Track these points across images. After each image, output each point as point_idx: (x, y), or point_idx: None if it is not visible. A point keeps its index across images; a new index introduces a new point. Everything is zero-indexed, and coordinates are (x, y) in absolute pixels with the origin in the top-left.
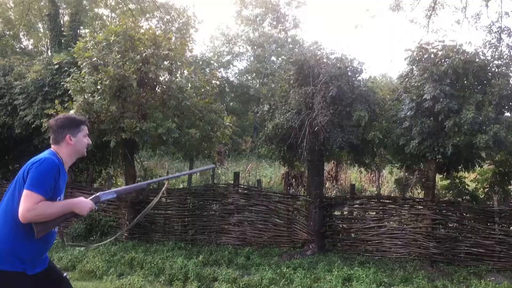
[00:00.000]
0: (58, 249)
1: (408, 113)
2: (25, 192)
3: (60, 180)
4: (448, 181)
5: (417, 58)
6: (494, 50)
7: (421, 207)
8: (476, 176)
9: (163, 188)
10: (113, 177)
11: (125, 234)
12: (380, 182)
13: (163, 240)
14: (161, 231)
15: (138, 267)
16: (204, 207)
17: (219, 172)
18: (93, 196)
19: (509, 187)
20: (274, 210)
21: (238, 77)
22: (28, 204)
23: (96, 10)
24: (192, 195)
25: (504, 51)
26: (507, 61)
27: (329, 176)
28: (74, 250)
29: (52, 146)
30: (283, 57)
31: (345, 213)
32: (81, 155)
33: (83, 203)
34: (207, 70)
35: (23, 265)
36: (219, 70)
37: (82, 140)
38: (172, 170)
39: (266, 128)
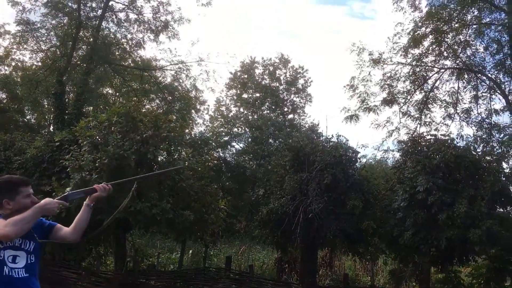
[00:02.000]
0: None
1: (401, 204)
2: None
3: None
4: (443, 274)
5: (410, 150)
6: (485, 145)
7: None
8: (472, 271)
9: (133, 188)
10: (103, 256)
11: None
12: (374, 272)
13: None
14: None
15: None
16: None
17: (212, 253)
18: (62, 195)
19: (506, 284)
20: None
21: (235, 158)
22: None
23: (101, 89)
24: (182, 279)
25: (495, 147)
26: (497, 157)
27: (323, 262)
28: None
29: None
30: (280, 139)
31: None
32: None
33: (50, 204)
34: (205, 149)
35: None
36: (217, 150)
37: (22, 201)
38: (164, 249)
39: (260, 213)
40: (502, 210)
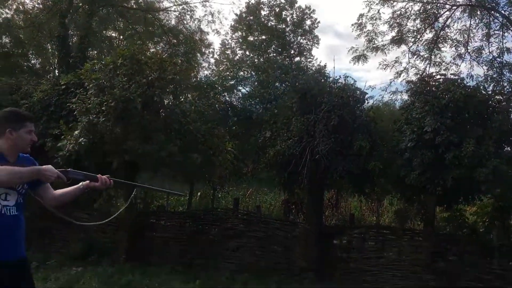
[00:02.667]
0: (54, 269)
1: (409, 145)
2: None
3: None
4: (448, 213)
5: (419, 91)
6: (496, 85)
7: (421, 239)
8: (477, 210)
9: (132, 194)
10: (114, 198)
11: (123, 256)
12: (380, 212)
13: (160, 263)
14: (159, 254)
15: None
16: (203, 231)
17: (220, 196)
18: (63, 170)
19: (510, 221)
20: (273, 237)
21: (241, 102)
22: None
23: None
24: (191, 219)
25: (505, 86)
26: (508, 96)
27: (329, 203)
28: (71, 270)
29: None
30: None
31: (344, 242)
32: (22, 151)
33: (50, 171)
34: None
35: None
36: (223, 94)
37: (24, 136)
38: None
39: (267, 155)
40: (510, 149)
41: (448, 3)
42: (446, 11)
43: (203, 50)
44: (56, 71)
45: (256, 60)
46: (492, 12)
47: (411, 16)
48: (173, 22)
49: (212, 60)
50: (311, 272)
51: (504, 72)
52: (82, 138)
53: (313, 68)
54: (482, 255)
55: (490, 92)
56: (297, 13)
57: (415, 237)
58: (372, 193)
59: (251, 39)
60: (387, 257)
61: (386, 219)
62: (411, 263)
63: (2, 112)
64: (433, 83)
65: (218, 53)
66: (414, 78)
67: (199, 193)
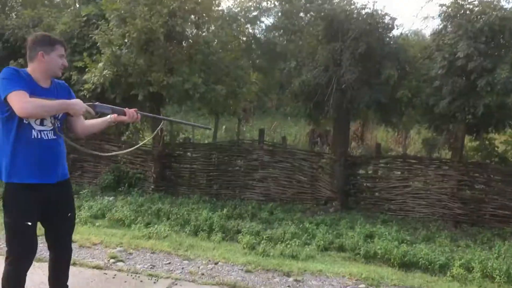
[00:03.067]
0: (87, 199)
1: (439, 72)
2: (7, 97)
3: (26, 85)
4: (477, 142)
5: (452, 14)
6: None
7: (448, 167)
8: (507, 138)
9: (159, 127)
10: (140, 131)
11: (152, 187)
12: (406, 142)
13: (188, 193)
14: (186, 185)
15: (165, 218)
16: (229, 162)
17: (244, 129)
18: (91, 103)
19: None
20: (298, 167)
21: (265, 34)
22: (21, 100)
23: None
24: (217, 150)
25: None
26: None
27: (354, 135)
28: (103, 200)
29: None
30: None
31: (369, 172)
32: (54, 75)
33: (79, 105)
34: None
35: (15, 176)
36: (246, 26)
37: (56, 59)
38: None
39: (292, 85)
40: None
41: None
42: None
43: None
44: (77, 3)
45: None
46: None
47: None
48: None
49: None
50: (336, 202)
51: None
52: (106, 71)
53: None
54: (510, 184)
55: None
56: None
57: (442, 166)
58: (399, 123)
59: None
60: (413, 186)
61: (412, 150)
62: (437, 191)
63: (33, 36)
64: (468, 6)
65: None
66: (447, 1)
67: (224, 127)
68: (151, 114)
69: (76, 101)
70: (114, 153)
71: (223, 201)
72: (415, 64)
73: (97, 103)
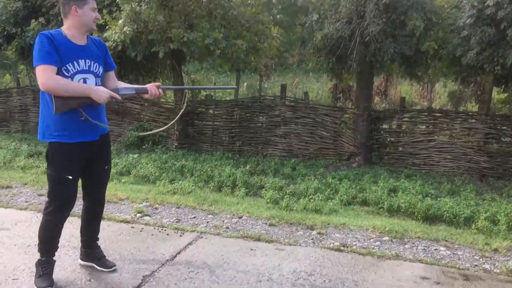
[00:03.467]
0: (112, 156)
1: (467, 21)
2: (35, 69)
3: (62, 48)
4: (505, 94)
5: None
6: None
7: (474, 121)
8: None
9: (185, 99)
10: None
11: (175, 144)
12: (432, 96)
13: (211, 150)
14: (209, 142)
15: (188, 174)
16: (251, 119)
17: (266, 86)
18: (114, 88)
19: None
20: (320, 123)
21: None
22: (45, 75)
23: None
24: (239, 107)
25: None
26: None
27: (378, 91)
28: (128, 157)
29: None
30: None
31: (393, 126)
32: (89, 29)
33: (101, 91)
34: None
35: (60, 136)
36: None
37: (89, 13)
38: (219, 83)
39: (314, 39)
40: None
41: None
42: None
43: None
44: None
45: None
46: None
47: None
48: None
49: None
50: (359, 157)
51: None
52: (127, 27)
53: None
54: None
55: None
56: None
57: (468, 119)
58: (425, 75)
59: None
60: (438, 140)
61: (437, 104)
62: (463, 145)
63: None
64: None
65: None
66: None
67: (245, 84)
68: (174, 86)
69: (101, 88)
70: (154, 131)
71: (246, 158)
72: (442, 14)
73: (120, 86)
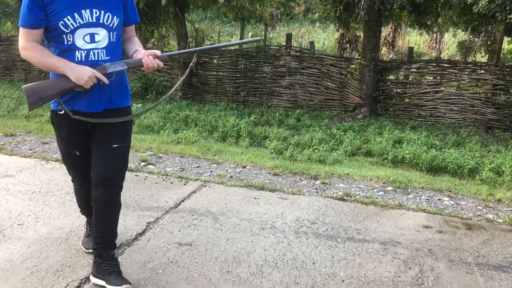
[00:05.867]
0: None
1: None
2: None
3: (55, 3)
4: None
5: None
6: None
7: (483, 71)
8: None
9: (191, 63)
10: (165, 38)
11: (179, 94)
12: (440, 47)
13: (215, 100)
14: (213, 92)
15: (193, 124)
16: (256, 69)
17: (271, 36)
18: (99, 66)
19: None
20: (326, 74)
21: None
22: (22, 41)
23: None
24: (244, 57)
25: None
26: None
27: (385, 41)
28: (132, 106)
29: None
30: None
31: (400, 77)
32: None
33: (82, 71)
34: None
35: (59, 104)
36: None
37: None
38: (223, 34)
39: None
40: None
41: None
42: None
43: None
44: None
45: None
46: None
47: None
48: None
49: None
50: (365, 108)
51: None
52: None
53: None
54: None
55: None
56: None
57: (477, 70)
58: (434, 25)
59: None
60: (445, 92)
61: (446, 55)
62: (470, 97)
63: None
64: None
65: None
66: None
67: (250, 34)
68: (179, 51)
69: (81, 68)
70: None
71: (250, 108)
72: None
73: (107, 63)
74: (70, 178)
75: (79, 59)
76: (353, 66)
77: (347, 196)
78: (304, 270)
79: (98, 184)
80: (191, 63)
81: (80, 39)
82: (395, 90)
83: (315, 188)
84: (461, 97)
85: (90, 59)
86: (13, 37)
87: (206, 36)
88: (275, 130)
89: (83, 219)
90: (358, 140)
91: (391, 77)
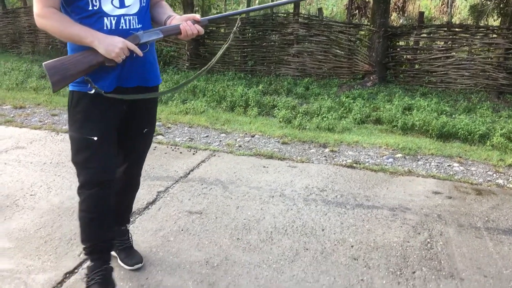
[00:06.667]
0: None
1: None
2: None
3: None
4: None
5: None
6: None
7: (495, 35)
8: None
9: (235, 28)
10: (172, 7)
11: (186, 64)
12: (452, 11)
13: (223, 70)
14: (220, 62)
15: (201, 95)
16: (263, 37)
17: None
18: (132, 35)
19: None
20: (335, 41)
21: None
22: (37, 7)
23: None
24: (251, 25)
25: None
26: None
27: (395, 7)
28: None
29: None
30: None
31: (410, 43)
32: None
33: (112, 41)
34: None
35: (83, 83)
36: None
37: None
38: (230, 2)
39: None
40: None
41: None
42: None
43: None
44: None
45: None
46: None
47: None
48: None
49: None
50: (374, 75)
51: None
52: None
53: None
54: None
55: None
56: None
57: (489, 34)
58: None
59: None
60: (456, 57)
61: (457, 20)
62: (481, 61)
63: None
64: None
65: None
66: None
67: (257, 1)
68: (221, 14)
69: (110, 38)
70: (198, 73)
71: (258, 77)
72: None
73: (140, 32)
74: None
75: (108, 28)
76: (362, 32)
77: (356, 163)
78: (314, 236)
79: (123, 177)
80: (235, 28)
81: (108, 3)
82: (405, 57)
83: (324, 156)
84: (472, 62)
85: (121, 27)
86: (19, 9)
87: (212, 5)
88: (284, 99)
89: None
90: (368, 108)
91: (401, 43)
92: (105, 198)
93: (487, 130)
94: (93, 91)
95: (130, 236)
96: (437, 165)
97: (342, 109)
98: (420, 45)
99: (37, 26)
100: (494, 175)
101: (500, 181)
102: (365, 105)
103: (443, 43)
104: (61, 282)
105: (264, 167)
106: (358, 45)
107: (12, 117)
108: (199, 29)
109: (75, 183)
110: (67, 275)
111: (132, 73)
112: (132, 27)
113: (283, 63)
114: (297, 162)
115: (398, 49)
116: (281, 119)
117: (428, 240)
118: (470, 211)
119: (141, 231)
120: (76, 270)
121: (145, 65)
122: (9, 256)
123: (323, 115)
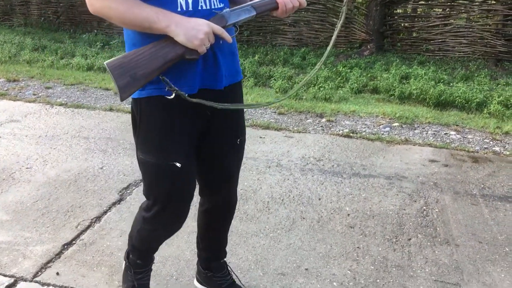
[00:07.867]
0: (120, 49)
1: None
2: None
3: None
4: None
5: None
6: None
7: (494, 1)
8: None
9: (344, 5)
10: None
11: None
12: None
13: None
14: None
15: None
16: None
17: None
18: (216, 15)
19: None
20: (331, 9)
21: None
22: None
23: None
24: None
25: None
26: None
27: None
28: None
29: None
30: None
31: (408, 11)
32: None
33: (194, 24)
34: None
35: (154, 86)
36: None
37: None
38: None
39: None
40: None
41: None
42: None
43: None
44: None
45: None
46: None
47: None
48: None
49: None
50: (371, 44)
51: None
52: None
53: None
54: None
55: None
56: None
57: (488, 0)
58: None
59: None
60: (454, 24)
61: None
62: (480, 29)
63: None
64: None
65: None
66: None
67: None
68: None
69: (192, 21)
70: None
71: (254, 48)
72: None
73: (225, 11)
74: (77, 121)
75: (184, 9)
76: (360, 0)
77: (353, 133)
78: (310, 206)
79: (220, 198)
80: (344, 5)
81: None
82: (402, 25)
83: (321, 126)
84: (470, 30)
85: (200, 7)
86: None
87: None
88: (280, 69)
89: (90, 161)
90: (365, 77)
91: (399, 10)
92: (181, 223)
93: (484, 98)
94: (172, 95)
95: (228, 269)
96: (434, 134)
97: (339, 78)
98: (418, 12)
99: (90, 10)
100: (491, 142)
101: (497, 149)
102: (362, 74)
103: (441, 10)
104: (59, 254)
105: (260, 137)
106: (355, 13)
107: (6, 90)
108: (301, 1)
109: (71, 155)
110: (65, 246)
111: (220, 67)
112: (214, 7)
113: (279, 33)
114: (293, 132)
115: (395, 17)
116: (277, 90)
117: (424, 207)
118: (466, 178)
119: (137, 203)
120: (74, 242)
121: (234, 56)
122: (7, 228)
123: (320, 85)
